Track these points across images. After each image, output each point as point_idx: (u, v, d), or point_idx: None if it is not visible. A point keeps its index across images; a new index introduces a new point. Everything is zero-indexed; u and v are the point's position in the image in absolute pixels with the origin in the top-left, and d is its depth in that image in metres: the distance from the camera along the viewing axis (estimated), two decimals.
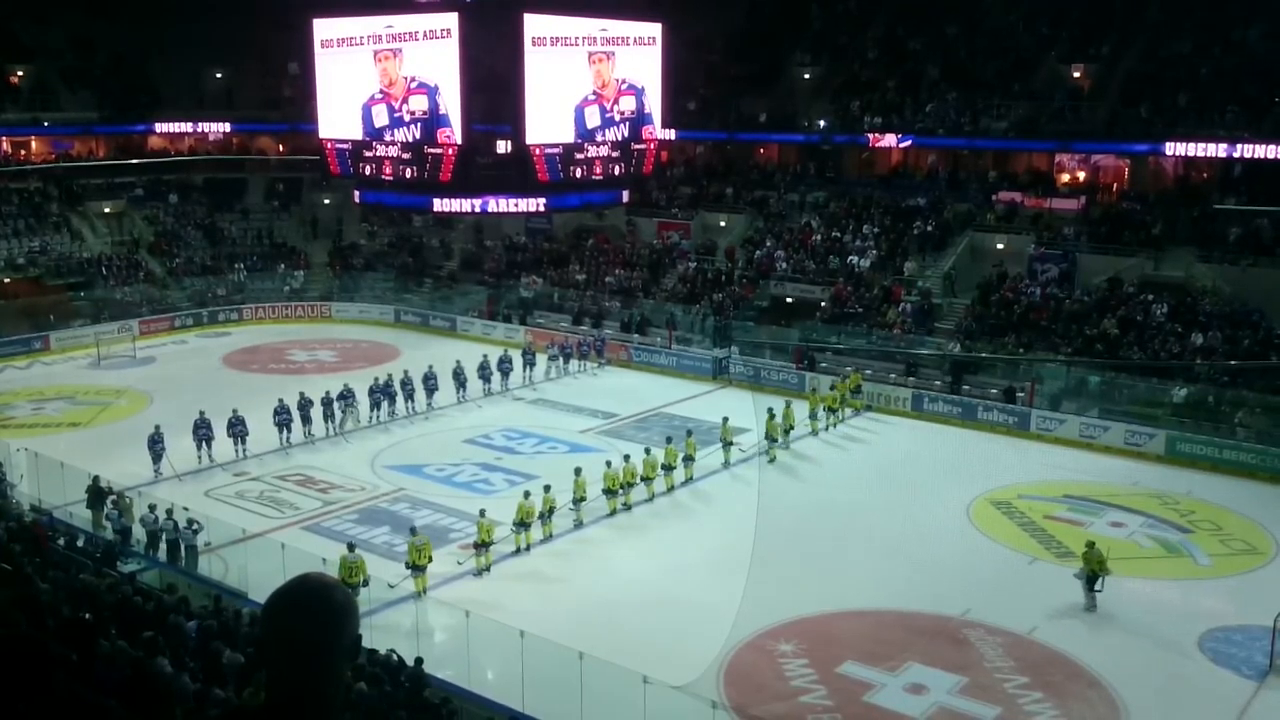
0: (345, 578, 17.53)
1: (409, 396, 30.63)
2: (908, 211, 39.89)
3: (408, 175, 29.63)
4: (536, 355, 35.17)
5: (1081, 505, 24.56)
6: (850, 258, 38.71)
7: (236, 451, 26.73)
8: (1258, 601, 19.07)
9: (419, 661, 14.80)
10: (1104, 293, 33.46)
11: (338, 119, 30.77)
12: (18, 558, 13.77)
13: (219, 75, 51.79)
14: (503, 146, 31.00)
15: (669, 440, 25.70)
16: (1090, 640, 18.26)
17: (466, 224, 47.49)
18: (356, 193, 35.93)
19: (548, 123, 29.47)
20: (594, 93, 30.27)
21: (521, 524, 21.35)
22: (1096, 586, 19.29)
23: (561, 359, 35.75)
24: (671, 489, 24.99)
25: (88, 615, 10.26)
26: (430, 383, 31.15)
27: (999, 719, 16.03)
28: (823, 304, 37.32)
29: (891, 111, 42.24)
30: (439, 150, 28.97)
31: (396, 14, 29.73)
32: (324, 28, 30.75)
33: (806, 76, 46.74)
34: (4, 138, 47.02)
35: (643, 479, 24.20)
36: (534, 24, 28.78)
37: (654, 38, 31.57)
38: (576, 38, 29.87)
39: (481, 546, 20.50)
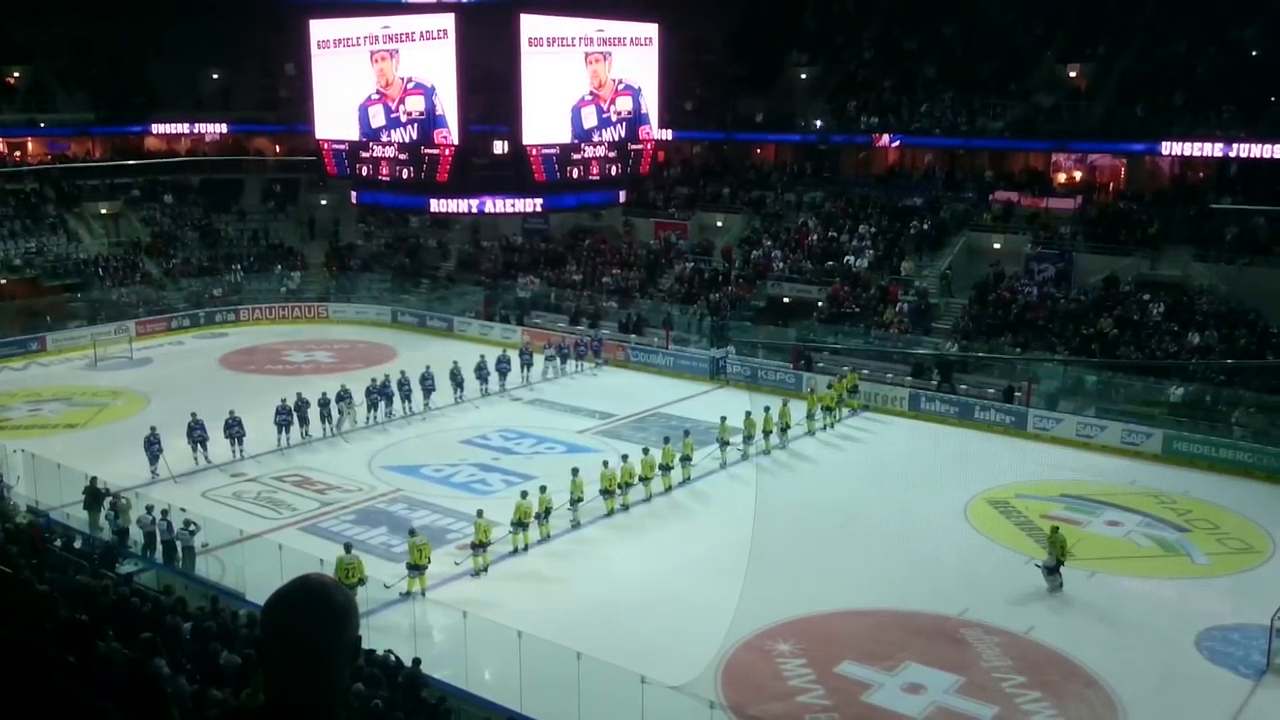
0: (342, 578, 17.51)
1: (406, 397, 30.61)
2: (904, 211, 39.94)
3: (404, 176, 29.62)
4: (534, 355, 35.15)
5: (1079, 504, 24.58)
6: (847, 258, 38.73)
7: (234, 452, 26.71)
8: (1255, 600, 19.08)
9: (416, 662, 14.80)
10: (1100, 292, 33.51)
11: (334, 120, 30.75)
12: (15, 559, 13.76)
13: (216, 76, 51.73)
14: (499, 147, 31.00)
15: (666, 440, 25.72)
16: (1087, 639, 18.26)
17: (463, 224, 47.46)
18: (353, 193, 35.96)
19: (544, 123, 29.46)
20: (591, 93, 30.27)
21: (519, 524, 21.35)
22: (1058, 571, 19.74)
23: (559, 359, 35.74)
24: (669, 489, 24.99)
25: (85, 617, 10.25)
26: (427, 383, 31.13)
27: (997, 718, 16.04)
28: (820, 304, 37.34)
29: (888, 111, 42.29)
30: (436, 151, 28.96)
31: (393, 15, 29.72)
32: (320, 28, 30.73)
33: (803, 76, 46.77)
34: (0, 139, 46.97)
35: (641, 479, 24.22)
36: (530, 24, 28.78)
37: (650, 38, 31.57)
38: (573, 38, 29.87)
39: (479, 547, 20.49)
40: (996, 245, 37.16)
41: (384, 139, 29.64)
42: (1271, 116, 34.74)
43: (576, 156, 30.10)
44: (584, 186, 31.40)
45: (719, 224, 43.63)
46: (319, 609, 2.51)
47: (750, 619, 18.41)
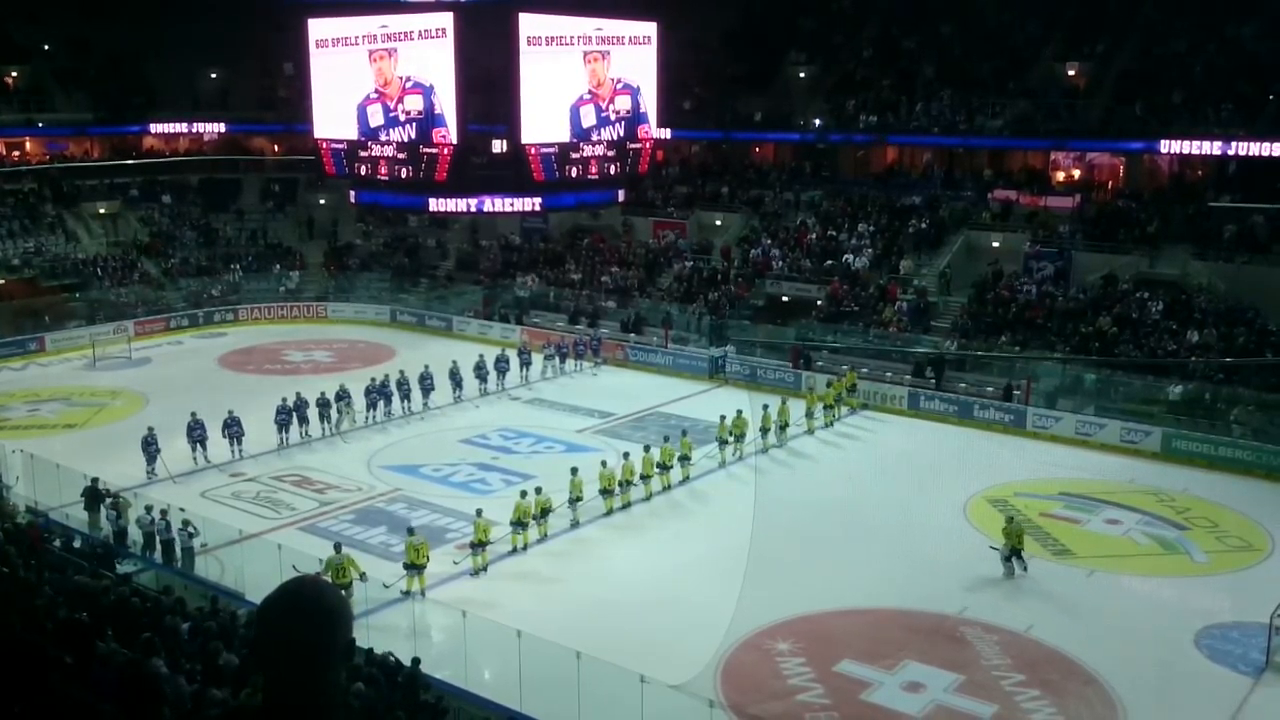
0: (332, 578, 17.44)
1: (405, 396, 30.60)
2: (903, 210, 39.94)
3: (403, 175, 29.63)
4: (533, 355, 35.15)
5: (1078, 503, 24.59)
6: (846, 256, 38.73)
7: (232, 452, 26.70)
8: (1254, 598, 19.06)
9: (416, 662, 14.79)
10: (1099, 290, 33.51)
11: (333, 119, 30.75)
12: (14, 560, 13.77)
13: (214, 76, 51.71)
14: (498, 146, 31.04)
15: (666, 439, 25.72)
16: (1086, 637, 18.27)
17: (462, 224, 47.47)
18: (352, 193, 35.98)
19: (543, 122, 29.47)
20: (589, 92, 30.28)
21: (518, 524, 21.35)
22: (1016, 559, 20.39)
23: (558, 358, 35.73)
24: (668, 488, 25.00)
25: (84, 617, 10.26)
26: (426, 383, 31.10)
27: (996, 717, 16.04)
28: (819, 303, 37.34)
29: (887, 110, 42.29)
30: (434, 150, 28.97)
31: (392, 14, 29.75)
32: (319, 28, 30.73)
33: (802, 76, 46.75)
34: None
35: (642, 477, 24.22)
36: (529, 23, 28.79)
37: (649, 37, 31.59)
38: (571, 37, 29.89)
39: (478, 546, 20.48)
40: (995, 244, 37.18)
41: (382, 138, 29.64)
42: (1270, 115, 34.75)
43: (575, 155, 30.11)
44: (583, 186, 31.42)
45: (718, 223, 43.63)
46: (312, 609, 2.55)
47: (749, 618, 18.40)
